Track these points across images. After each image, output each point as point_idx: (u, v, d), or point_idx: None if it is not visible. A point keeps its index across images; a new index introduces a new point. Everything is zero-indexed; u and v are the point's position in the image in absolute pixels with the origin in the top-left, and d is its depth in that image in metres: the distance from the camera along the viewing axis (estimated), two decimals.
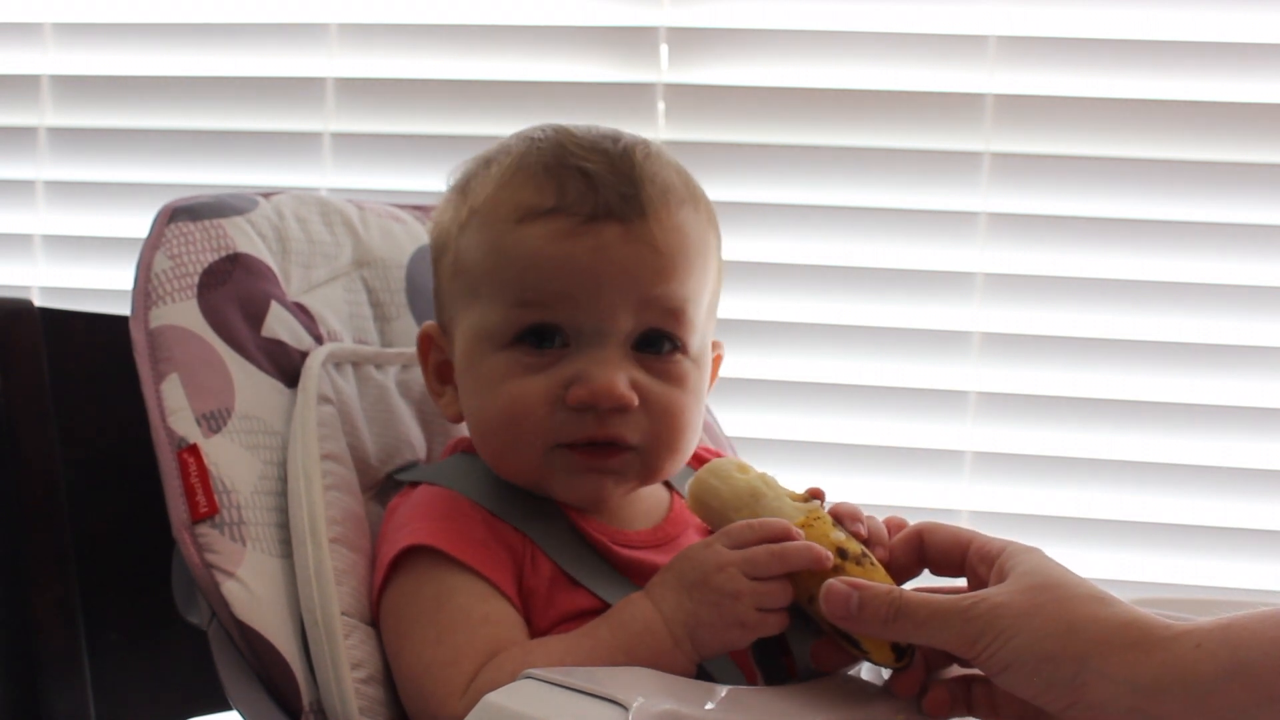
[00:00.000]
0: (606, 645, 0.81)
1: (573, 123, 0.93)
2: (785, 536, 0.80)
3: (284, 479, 0.92)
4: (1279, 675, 0.65)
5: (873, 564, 0.80)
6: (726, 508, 0.83)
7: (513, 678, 0.76)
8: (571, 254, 0.85)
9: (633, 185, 0.87)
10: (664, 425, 0.88)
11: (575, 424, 0.86)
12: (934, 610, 0.74)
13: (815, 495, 0.85)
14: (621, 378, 0.85)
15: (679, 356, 0.89)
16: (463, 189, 0.93)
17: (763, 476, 0.84)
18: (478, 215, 0.90)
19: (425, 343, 0.96)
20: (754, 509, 0.82)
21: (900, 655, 0.78)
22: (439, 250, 0.95)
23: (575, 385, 0.85)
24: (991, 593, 0.74)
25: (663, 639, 0.80)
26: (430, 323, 0.96)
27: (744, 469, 0.85)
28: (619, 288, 0.86)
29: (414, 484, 0.94)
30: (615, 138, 0.91)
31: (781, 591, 0.79)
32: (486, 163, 0.92)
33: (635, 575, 0.89)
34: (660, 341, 0.88)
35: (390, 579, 0.88)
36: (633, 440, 0.87)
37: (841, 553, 0.79)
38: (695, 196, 0.92)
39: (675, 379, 0.88)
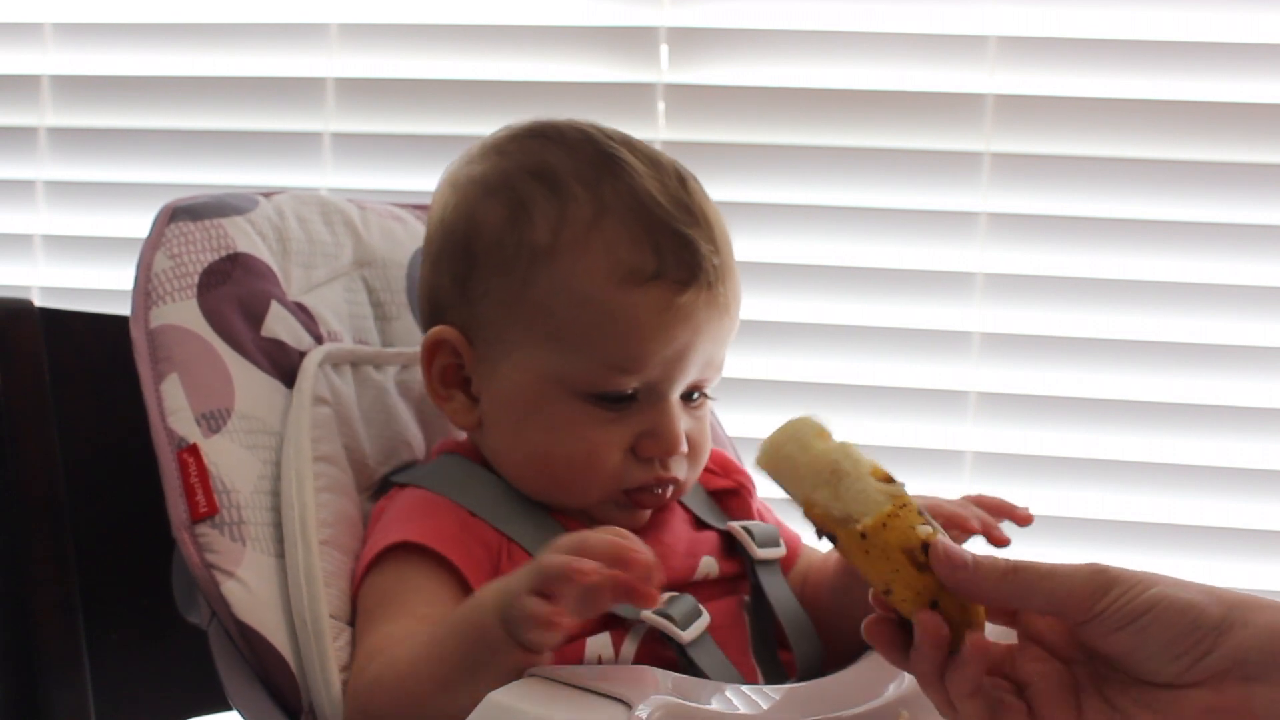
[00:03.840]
0: (449, 628, 0.80)
1: (574, 119, 0.95)
2: (622, 563, 0.75)
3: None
4: None
5: None
6: (803, 482, 0.74)
7: (373, 677, 0.81)
8: (670, 325, 0.88)
9: (717, 247, 0.90)
10: (698, 459, 0.94)
11: (642, 471, 0.90)
12: (1056, 566, 0.70)
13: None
14: (682, 429, 0.91)
15: (704, 397, 0.95)
16: (520, 207, 0.90)
17: (844, 448, 0.74)
18: (563, 254, 0.88)
19: (438, 346, 0.94)
20: (835, 488, 0.72)
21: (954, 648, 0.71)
22: (468, 249, 0.92)
23: (648, 439, 0.89)
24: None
25: (485, 613, 0.78)
26: (444, 328, 0.93)
27: (823, 434, 0.75)
28: (699, 354, 0.90)
29: (401, 486, 0.94)
30: (680, 179, 0.92)
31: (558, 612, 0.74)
32: (551, 185, 0.90)
33: None
34: (696, 391, 0.93)
35: (363, 579, 0.89)
36: (681, 478, 0.92)
37: (926, 548, 0.71)
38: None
39: (702, 417, 0.94)
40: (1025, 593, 0.70)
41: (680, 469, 0.92)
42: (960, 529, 0.88)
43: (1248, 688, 0.66)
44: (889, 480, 0.73)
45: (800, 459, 0.74)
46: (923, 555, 0.71)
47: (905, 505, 0.72)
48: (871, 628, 0.73)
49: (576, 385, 0.89)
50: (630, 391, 0.89)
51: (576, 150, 0.92)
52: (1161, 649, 0.68)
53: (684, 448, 0.91)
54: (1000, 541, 0.90)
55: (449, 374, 0.94)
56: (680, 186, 0.91)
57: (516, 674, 0.76)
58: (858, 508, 0.72)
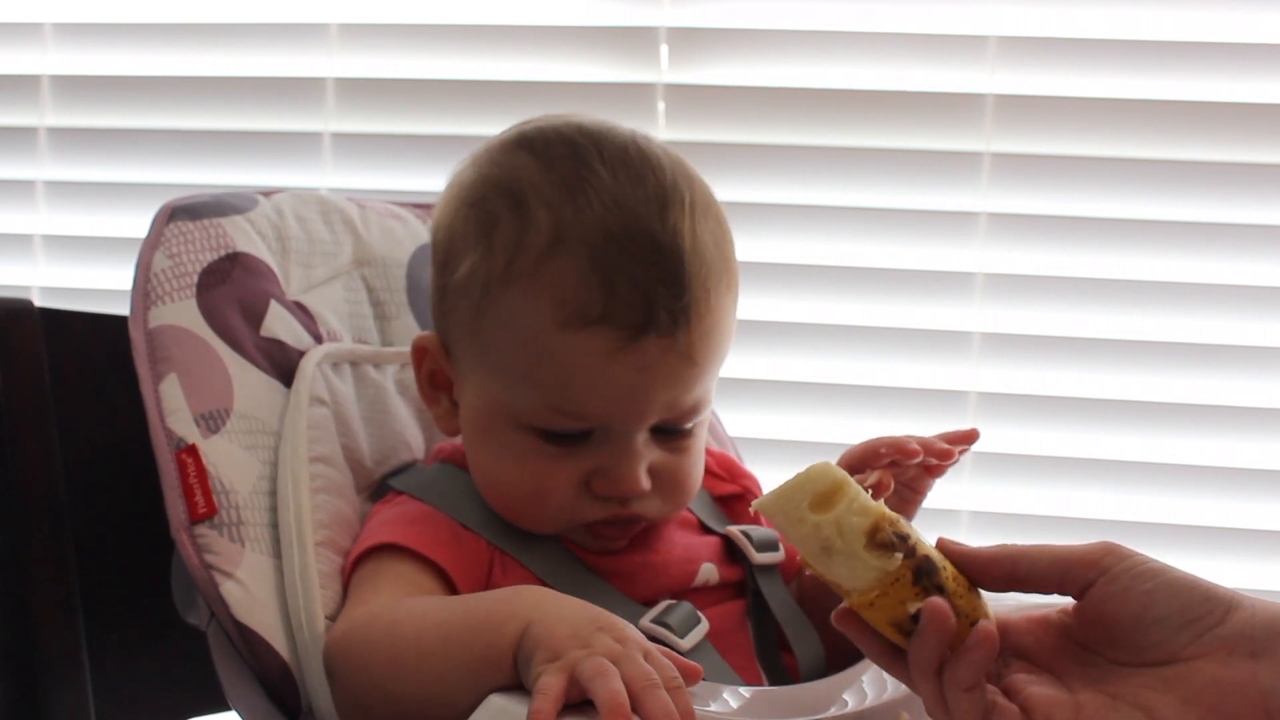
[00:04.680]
0: (462, 603, 0.80)
1: (585, 123, 0.90)
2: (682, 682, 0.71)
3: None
4: None
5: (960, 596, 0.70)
6: (795, 546, 0.71)
7: (369, 617, 0.80)
8: (613, 374, 0.84)
9: (679, 292, 0.84)
10: (677, 494, 0.90)
11: (599, 507, 0.88)
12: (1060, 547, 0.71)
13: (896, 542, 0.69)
14: (643, 470, 0.87)
15: (691, 429, 0.90)
16: (488, 228, 0.87)
17: (837, 522, 0.69)
18: (513, 285, 0.85)
19: (421, 353, 0.94)
20: (826, 565, 0.69)
21: None
22: (447, 259, 0.91)
23: (600, 478, 0.86)
24: None
25: (511, 609, 0.75)
26: (428, 335, 0.94)
27: (822, 503, 0.69)
28: (654, 399, 0.86)
29: (398, 492, 0.94)
30: (662, 205, 0.85)
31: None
32: (517, 206, 0.86)
33: (611, 575, 0.90)
34: (676, 428, 0.89)
35: (351, 574, 0.89)
36: (650, 514, 0.89)
37: (916, 616, 0.68)
38: (729, 267, 0.90)
39: (686, 450, 0.90)
40: (1030, 559, 0.70)
41: (649, 506, 0.89)
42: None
43: (1254, 663, 0.66)
44: (888, 547, 0.69)
45: (791, 532, 0.70)
46: (911, 624, 0.69)
47: (898, 580, 0.68)
48: (843, 617, 0.71)
49: (520, 418, 0.87)
50: (578, 431, 0.86)
51: (552, 166, 0.87)
52: (1172, 614, 0.68)
53: (643, 487, 0.86)
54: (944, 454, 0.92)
55: (438, 378, 0.94)
56: (658, 214, 0.85)
57: (497, 664, 0.74)
58: (847, 583, 0.69)
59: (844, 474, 0.70)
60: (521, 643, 0.73)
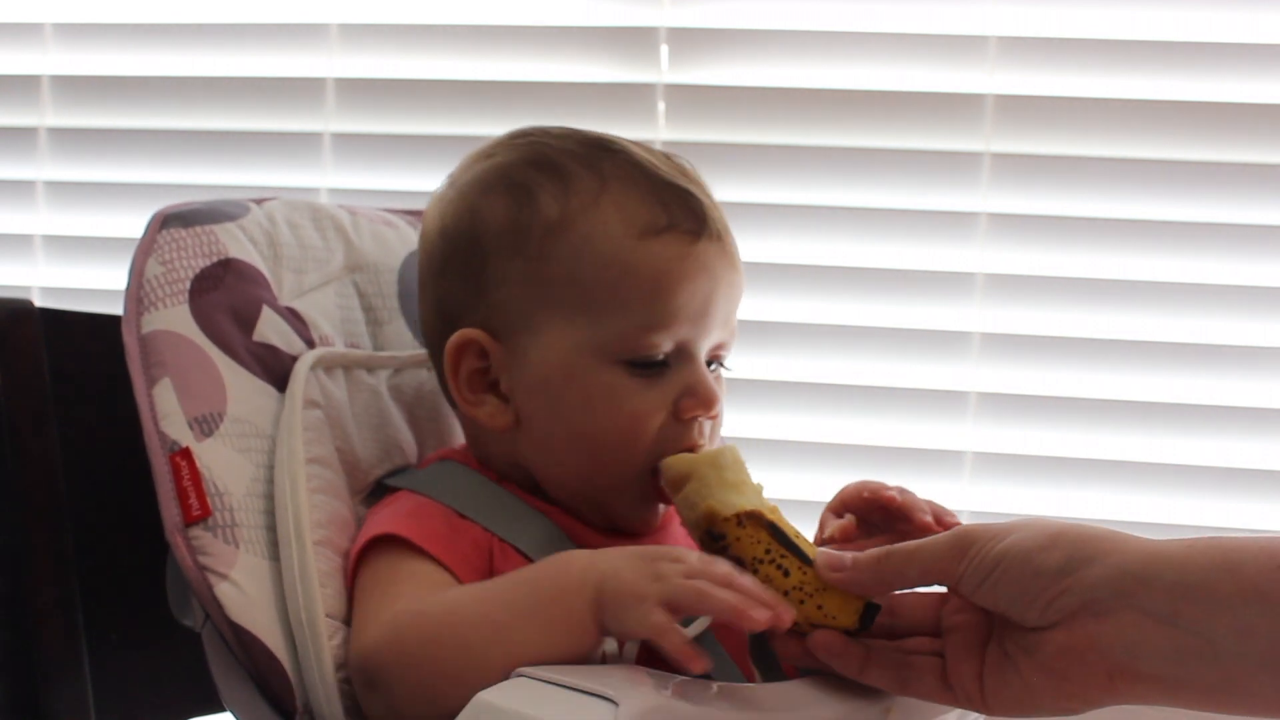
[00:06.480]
0: (513, 580, 0.82)
1: (567, 127, 0.97)
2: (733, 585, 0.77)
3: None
4: (1264, 575, 0.66)
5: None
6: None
7: (412, 614, 0.81)
8: (691, 274, 0.90)
9: (713, 204, 0.93)
10: (718, 432, 0.95)
11: (683, 434, 0.91)
12: (922, 541, 0.75)
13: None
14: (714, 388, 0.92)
15: (721, 369, 0.96)
16: (524, 192, 0.92)
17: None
18: (574, 222, 0.90)
19: (462, 350, 0.93)
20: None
21: (866, 619, 0.77)
22: (474, 244, 0.93)
23: (687, 398, 0.90)
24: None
25: (571, 577, 0.78)
26: (471, 330, 0.93)
27: (674, 487, 0.84)
28: (720, 308, 0.92)
29: (393, 491, 0.95)
30: (667, 155, 0.95)
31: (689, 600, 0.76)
32: (552, 169, 0.92)
33: None
34: (715, 361, 0.95)
35: (356, 571, 0.89)
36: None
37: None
38: None
39: (721, 389, 0.95)
40: (899, 573, 0.75)
41: (713, 432, 0.93)
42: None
43: (1097, 624, 0.68)
44: (701, 543, 0.81)
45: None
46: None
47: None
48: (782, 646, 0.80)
49: (609, 352, 0.89)
50: (661, 357, 0.90)
51: (567, 139, 0.94)
52: (1015, 599, 0.71)
53: (720, 406, 0.92)
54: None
55: (476, 379, 0.93)
56: (669, 160, 0.95)
57: (582, 629, 0.77)
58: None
59: (693, 470, 0.83)
60: (601, 603, 0.77)
